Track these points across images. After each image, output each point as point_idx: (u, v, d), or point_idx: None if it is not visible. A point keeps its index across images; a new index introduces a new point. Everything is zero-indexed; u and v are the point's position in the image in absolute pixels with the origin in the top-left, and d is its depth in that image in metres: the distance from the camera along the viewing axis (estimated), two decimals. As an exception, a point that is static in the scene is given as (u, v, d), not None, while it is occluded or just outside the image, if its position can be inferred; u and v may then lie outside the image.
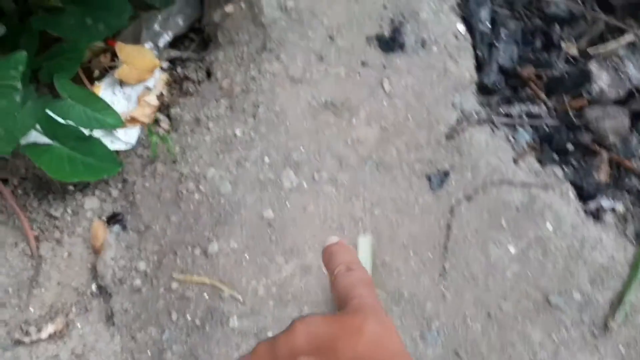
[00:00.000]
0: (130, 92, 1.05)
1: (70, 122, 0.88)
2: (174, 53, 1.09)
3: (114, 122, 0.92)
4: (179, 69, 1.10)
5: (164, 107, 1.06)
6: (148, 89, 1.06)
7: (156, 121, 1.05)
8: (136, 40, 1.07)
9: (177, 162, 0.94)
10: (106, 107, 0.91)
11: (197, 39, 1.14)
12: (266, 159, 0.90)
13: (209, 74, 1.07)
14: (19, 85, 0.71)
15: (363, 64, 0.94)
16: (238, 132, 0.92)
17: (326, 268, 0.33)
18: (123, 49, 1.03)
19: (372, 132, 0.91)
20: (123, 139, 1.00)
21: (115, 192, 0.99)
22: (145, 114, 1.03)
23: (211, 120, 0.96)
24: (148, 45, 1.06)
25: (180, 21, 1.10)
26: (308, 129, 0.91)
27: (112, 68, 1.06)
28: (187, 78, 1.08)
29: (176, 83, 1.09)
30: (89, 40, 0.91)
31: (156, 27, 1.07)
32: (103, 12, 0.91)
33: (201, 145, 0.94)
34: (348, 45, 0.94)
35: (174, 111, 1.02)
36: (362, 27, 0.95)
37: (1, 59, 0.73)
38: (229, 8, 1.02)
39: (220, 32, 1.04)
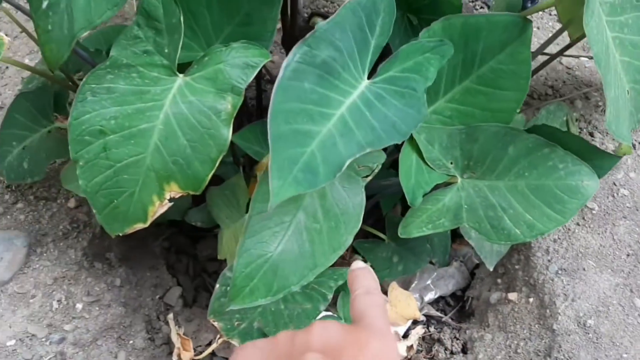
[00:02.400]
0: (379, 330, 1.02)
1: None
2: (434, 312, 1.06)
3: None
4: (432, 329, 1.05)
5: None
6: (397, 334, 1.02)
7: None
8: (405, 284, 1.07)
9: None
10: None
11: (454, 304, 1.11)
12: None
13: (464, 349, 1.00)
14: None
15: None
16: None
17: (350, 288, 0.37)
18: (394, 290, 1.03)
19: None
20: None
21: None
22: (388, 359, 0.97)
23: (465, 402, 0.86)
24: (415, 295, 1.06)
25: (450, 284, 1.09)
26: None
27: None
28: (439, 342, 1.02)
29: (425, 341, 1.04)
30: (387, 276, 0.93)
31: (429, 282, 1.07)
32: (409, 254, 0.94)
33: None
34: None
35: (417, 371, 0.95)
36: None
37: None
38: (512, 295, 0.99)
39: (493, 313, 1.00)
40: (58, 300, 0.89)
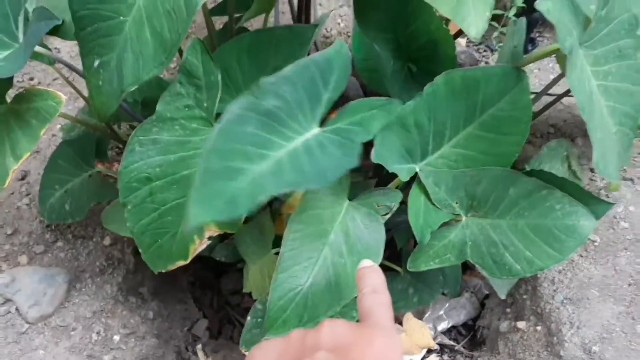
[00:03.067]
0: (395, 359, 1.07)
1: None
2: (447, 341, 1.12)
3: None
4: (445, 357, 1.11)
5: (420, 388, 1.05)
6: (412, 362, 1.08)
7: (408, 398, 1.04)
8: (419, 314, 1.13)
9: None
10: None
11: (466, 333, 1.17)
12: None
13: (477, 377, 1.06)
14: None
15: None
16: None
17: (357, 286, 0.39)
18: (409, 320, 1.09)
19: None
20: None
21: None
22: (406, 386, 1.03)
23: None
24: (429, 325, 1.11)
25: (462, 314, 1.15)
26: None
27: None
28: (453, 370, 1.08)
29: (439, 370, 1.10)
30: (403, 307, 0.99)
31: (441, 312, 1.13)
32: (423, 286, 1.00)
33: None
34: (652, 416, 0.88)
35: (433, 397, 1.01)
36: (671, 404, 0.90)
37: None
38: (521, 324, 1.05)
39: (503, 341, 1.06)
40: (97, 333, 0.95)
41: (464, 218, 0.82)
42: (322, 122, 0.67)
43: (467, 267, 1.21)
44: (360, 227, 0.76)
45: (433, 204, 0.80)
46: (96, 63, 0.75)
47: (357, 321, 0.39)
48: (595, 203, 0.81)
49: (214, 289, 1.24)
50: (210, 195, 0.54)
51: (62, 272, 1.00)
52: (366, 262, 0.41)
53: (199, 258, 1.20)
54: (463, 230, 0.81)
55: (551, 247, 0.77)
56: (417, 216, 0.78)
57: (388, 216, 0.77)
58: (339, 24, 1.66)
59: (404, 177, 0.79)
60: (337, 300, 0.72)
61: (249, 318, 0.83)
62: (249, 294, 1.24)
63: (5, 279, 0.97)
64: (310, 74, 0.66)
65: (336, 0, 1.75)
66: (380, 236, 0.76)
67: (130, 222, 0.76)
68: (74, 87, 0.96)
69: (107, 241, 1.07)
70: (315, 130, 0.67)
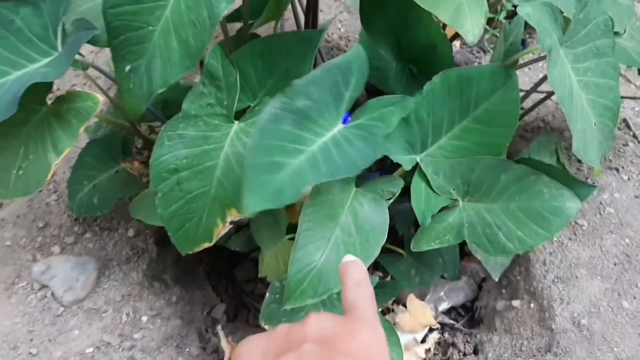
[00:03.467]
0: (400, 337, 1.16)
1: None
2: (447, 320, 1.21)
3: (396, 359, 1.01)
4: (446, 334, 1.19)
5: (424, 362, 1.14)
6: (415, 340, 1.16)
7: (413, 372, 1.12)
8: (421, 295, 1.21)
9: (436, 419, 0.97)
10: (397, 344, 1.01)
11: (464, 314, 1.25)
12: None
13: (475, 351, 1.14)
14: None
15: (649, 404, 0.94)
16: (508, 416, 0.94)
17: (341, 280, 0.39)
18: (412, 301, 1.17)
19: None
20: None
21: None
22: (410, 361, 1.12)
23: (479, 393, 1.00)
24: (430, 305, 1.20)
25: (460, 296, 1.23)
26: None
27: (391, 311, 1.20)
28: (453, 345, 1.16)
29: (440, 346, 1.18)
30: (406, 287, 1.07)
31: (442, 294, 1.22)
32: (425, 268, 1.09)
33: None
34: (635, 381, 0.97)
35: (436, 370, 1.09)
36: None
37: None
38: (515, 302, 1.14)
39: (499, 319, 1.15)
40: (126, 314, 1.04)
41: (460, 203, 0.90)
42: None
43: (464, 253, 1.30)
44: (367, 210, 0.84)
45: (433, 191, 0.89)
46: (127, 68, 0.84)
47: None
48: (579, 186, 0.90)
49: (229, 278, 1.32)
50: (259, 187, 0.65)
51: (92, 261, 1.09)
52: (348, 257, 0.41)
53: (214, 249, 1.28)
54: (460, 214, 0.90)
55: (540, 226, 0.86)
56: (419, 201, 0.87)
57: (391, 201, 0.86)
58: (339, 29, 1.75)
59: (407, 166, 0.87)
60: (347, 274, 0.81)
61: (267, 294, 0.92)
62: (262, 282, 1.33)
63: (41, 267, 1.06)
64: (333, 76, 0.76)
65: (337, 6, 1.84)
66: (385, 218, 0.84)
67: (161, 208, 0.85)
68: (102, 90, 1.05)
69: (131, 233, 1.16)
70: (340, 126, 0.77)
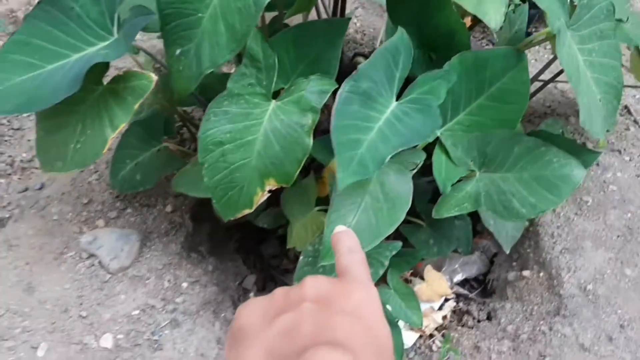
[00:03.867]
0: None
1: (388, 307, 1.08)
2: (462, 290, 1.29)
3: (417, 321, 1.10)
4: (461, 304, 1.28)
5: (441, 328, 1.22)
6: (432, 308, 1.25)
7: (430, 336, 1.21)
8: (437, 267, 1.30)
9: (454, 375, 1.06)
10: (417, 307, 1.10)
11: (477, 287, 1.34)
12: (543, 404, 0.97)
13: (489, 317, 1.23)
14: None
15: (649, 360, 1.03)
16: (521, 370, 1.03)
17: (334, 249, 0.40)
18: (429, 272, 1.26)
19: None
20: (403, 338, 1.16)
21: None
22: (429, 327, 1.20)
23: (493, 352, 1.08)
24: (445, 277, 1.29)
25: (474, 269, 1.32)
26: (588, 395, 0.98)
27: (409, 282, 1.29)
28: (468, 313, 1.25)
29: (455, 314, 1.27)
30: (425, 255, 1.16)
31: (456, 266, 1.30)
32: (442, 238, 1.17)
33: (480, 369, 1.06)
34: (637, 338, 1.05)
35: (452, 334, 1.18)
36: (654, 329, 1.07)
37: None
38: (526, 272, 1.22)
39: (510, 288, 1.23)
40: (168, 281, 1.13)
41: (477, 173, 0.99)
42: (398, 97, 0.88)
43: (476, 231, 1.38)
44: (392, 179, 0.93)
45: (452, 162, 0.98)
46: (178, 52, 0.93)
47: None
48: (585, 154, 0.99)
49: (256, 253, 1.41)
50: (346, 162, 0.75)
51: (135, 233, 1.18)
52: (340, 228, 0.43)
53: (243, 226, 1.38)
54: (477, 183, 0.99)
55: (550, 193, 0.95)
56: (440, 171, 0.96)
57: (414, 171, 0.95)
58: (355, 23, 1.84)
59: (429, 139, 0.96)
60: (376, 235, 0.90)
61: (301, 257, 1.01)
62: (287, 258, 1.42)
63: (89, 237, 1.15)
64: (386, 59, 0.86)
65: (352, 2, 1.93)
66: (409, 186, 0.93)
67: (207, 177, 0.93)
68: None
69: (169, 208, 1.25)
70: (394, 103, 0.87)
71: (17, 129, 1.49)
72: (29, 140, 1.45)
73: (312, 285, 0.34)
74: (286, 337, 0.31)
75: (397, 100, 0.90)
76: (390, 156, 0.83)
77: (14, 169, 1.37)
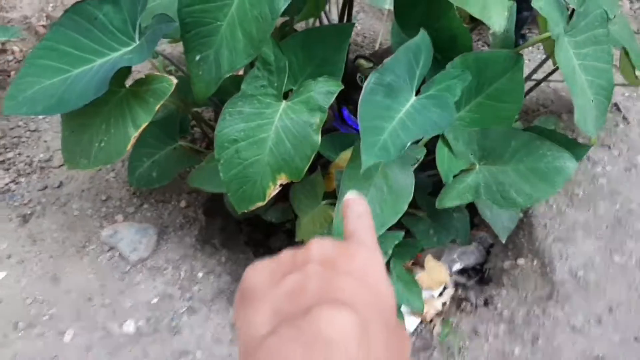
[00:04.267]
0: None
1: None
2: (460, 279, 1.37)
3: (419, 307, 1.17)
4: (459, 291, 1.35)
5: (440, 314, 1.30)
6: (432, 296, 1.33)
7: (431, 321, 1.28)
8: (437, 257, 1.37)
9: (455, 357, 1.13)
10: (418, 294, 1.17)
11: (474, 276, 1.42)
12: (537, 381, 1.05)
13: (486, 303, 1.30)
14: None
15: (636, 339, 1.10)
16: (516, 350, 1.10)
17: (344, 214, 0.40)
18: (430, 261, 1.34)
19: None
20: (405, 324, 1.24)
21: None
22: (429, 313, 1.28)
23: (490, 334, 1.16)
24: (445, 265, 1.36)
25: (471, 259, 1.39)
26: (579, 372, 1.05)
27: (411, 271, 1.36)
28: (466, 299, 1.32)
29: (454, 301, 1.34)
30: (426, 244, 1.23)
31: (455, 256, 1.38)
32: (441, 228, 1.25)
33: (478, 349, 1.13)
34: (624, 320, 1.12)
35: (451, 320, 1.25)
36: (639, 311, 1.14)
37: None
38: (520, 261, 1.30)
39: (506, 276, 1.31)
40: (184, 271, 1.20)
41: (477, 166, 1.07)
42: (417, 92, 0.96)
43: (474, 224, 1.46)
44: (396, 172, 1.01)
45: (454, 155, 1.05)
46: (197, 57, 1.00)
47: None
48: (576, 148, 1.07)
49: (265, 247, 1.48)
50: (370, 146, 0.83)
51: (152, 227, 1.25)
52: (351, 194, 0.42)
53: (252, 221, 1.45)
54: (477, 175, 1.06)
55: (545, 183, 1.02)
56: (443, 163, 1.03)
57: (416, 165, 1.02)
58: (356, 27, 1.92)
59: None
60: (381, 225, 0.97)
61: (311, 247, 1.08)
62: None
63: (109, 231, 1.22)
64: (408, 57, 0.94)
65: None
66: (411, 180, 1.01)
67: (222, 173, 1.01)
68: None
69: (183, 204, 1.32)
70: (414, 97, 0.95)
71: (34, 131, 1.56)
72: (45, 142, 1.52)
73: (318, 247, 0.35)
74: (292, 297, 0.31)
75: (416, 95, 0.98)
76: (410, 143, 0.91)
77: (33, 169, 1.44)
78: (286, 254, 0.35)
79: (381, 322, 0.31)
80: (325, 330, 0.28)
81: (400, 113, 0.92)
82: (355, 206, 0.41)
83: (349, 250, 0.35)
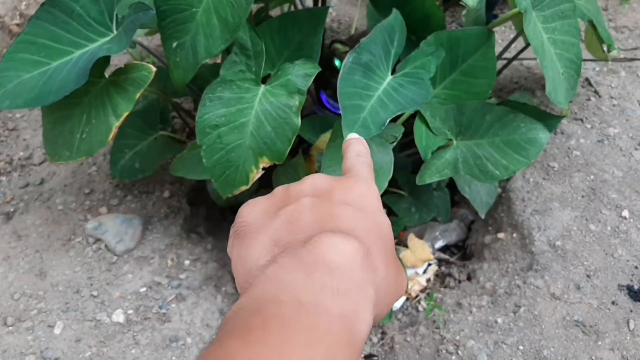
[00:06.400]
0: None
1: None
2: (443, 255, 1.40)
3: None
4: (443, 268, 1.39)
5: (425, 290, 1.33)
6: (417, 273, 1.36)
7: (416, 297, 1.31)
8: (419, 236, 1.40)
9: (440, 329, 1.16)
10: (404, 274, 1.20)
11: (457, 251, 1.45)
12: (520, 347, 1.08)
13: (469, 278, 1.34)
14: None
15: (613, 303, 1.14)
16: (499, 320, 1.13)
17: (343, 153, 0.41)
18: (412, 240, 1.36)
19: (614, 358, 1.06)
20: (392, 302, 1.26)
21: (375, 339, 1.22)
22: (414, 289, 1.31)
23: (473, 307, 1.19)
24: (427, 243, 1.39)
25: (453, 235, 1.43)
26: (559, 336, 1.09)
27: (395, 251, 1.39)
28: (449, 275, 1.35)
29: (438, 277, 1.37)
30: (408, 222, 1.26)
31: (437, 233, 1.41)
32: (422, 206, 1.28)
33: (462, 321, 1.16)
34: (602, 285, 1.16)
35: (436, 295, 1.28)
36: (615, 276, 1.18)
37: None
38: (500, 234, 1.33)
39: (487, 250, 1.34)
40: (171, 259, 1.21)
41: (454, 141, 1.09)
42: (393, 71, 0.98)
43: (454, 202, 1.49)
44: (375, 151, 1.03)
45: (431, 132, 1.08)
46: (174, 44, 1.01)
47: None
48: (549, 119, 1.10)
49: (250, 234, 1.50)
50: (350, 123, 0.86)
51: (137, 217, 1.25)
52: (352, 135, 0.43)
53: (234, 208, 1.46)
54: (455, 151, 1.09)
55: (520, 155, 1.05)
56: (421, 140, 1.06)
57: (394, 144, 1.05)
58: (331, 13, 1.93)
59: (409, 111, 1.06)
60: (364, 202, 0.99)
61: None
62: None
63: (94, 223, 1.23)
64: (383, 36, 0.96)
65: (327, -7, 2.02)
66: (390, 157, 1.03)
67: (205, 158, 1.02)
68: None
69: (166, 194, 1.33)
70: (390, 76, 0.97)
71: (12, 130, 1.55)
72: (24, 140, 1.51)
73: (311, 182, 0.34)
74: (290, 228, 0.31)
75: (392, 74, 1.00)
76: (389, 120, 0.93)
77: (13, 167, 1.43)
78: (279, 190, 0.35)
79: (382, 249, 0.31)
80: (328, 256, 0.28)
81: (378, 92, 0.95)
82: (355, 145, 0.41)
83: (345, 183, 0.34)
